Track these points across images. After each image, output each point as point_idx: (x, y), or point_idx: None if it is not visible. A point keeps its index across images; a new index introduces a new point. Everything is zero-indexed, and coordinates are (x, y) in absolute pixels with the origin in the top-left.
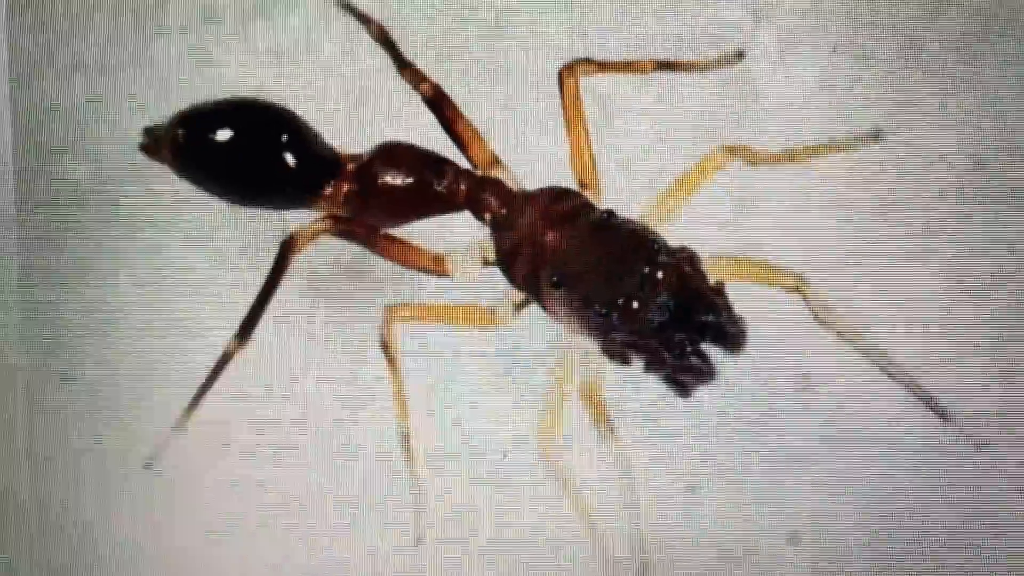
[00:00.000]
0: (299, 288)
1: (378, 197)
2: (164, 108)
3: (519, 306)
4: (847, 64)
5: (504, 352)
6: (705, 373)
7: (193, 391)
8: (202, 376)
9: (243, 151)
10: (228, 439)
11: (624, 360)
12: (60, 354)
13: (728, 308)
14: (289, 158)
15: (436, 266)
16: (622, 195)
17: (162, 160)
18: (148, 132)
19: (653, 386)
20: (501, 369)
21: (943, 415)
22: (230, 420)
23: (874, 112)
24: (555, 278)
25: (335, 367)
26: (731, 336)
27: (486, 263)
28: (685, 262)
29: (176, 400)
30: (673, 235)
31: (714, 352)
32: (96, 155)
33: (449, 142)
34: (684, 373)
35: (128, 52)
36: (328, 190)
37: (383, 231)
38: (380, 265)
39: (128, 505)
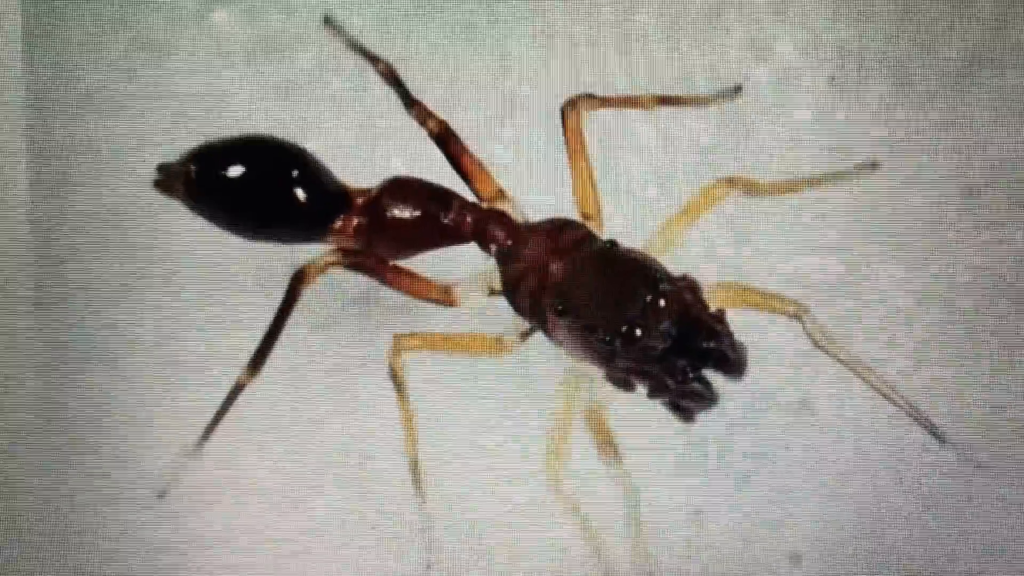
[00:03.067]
0: (310, 320)
1: (387, 230)
2: (176, 143)
3: (525, 335)
4: (843, 98)
5: (511, 380)
6: (707, 398)
7: (205, 422)
8: (214, 407)
9: (255, 187)
10: (238, 469)
11: (628, 386)
12: (73, 383)
13: (729, 334)
14: (300, 193)
15: (443, 296)
16: (624, 226)
17: (175, 196)
18: (162, 169)
19: (657, 412)
20: (508, 397)
21: (940, 437)
22: (241, 450)
23: (870, 144)
24: (559, 307)
25: (344, 397)
26: (732, 362)
27: (492, 293)
28: (686, 290)
29: (188, 431)
30: (674, 264)
31: (716, 378)
32: (110, 189)
33: (456, 176)
34: (687, 398)
35: (142, 87)
36: (338, 224)
37: (391, 263)
38: (389, 296)
39: (140, 535)
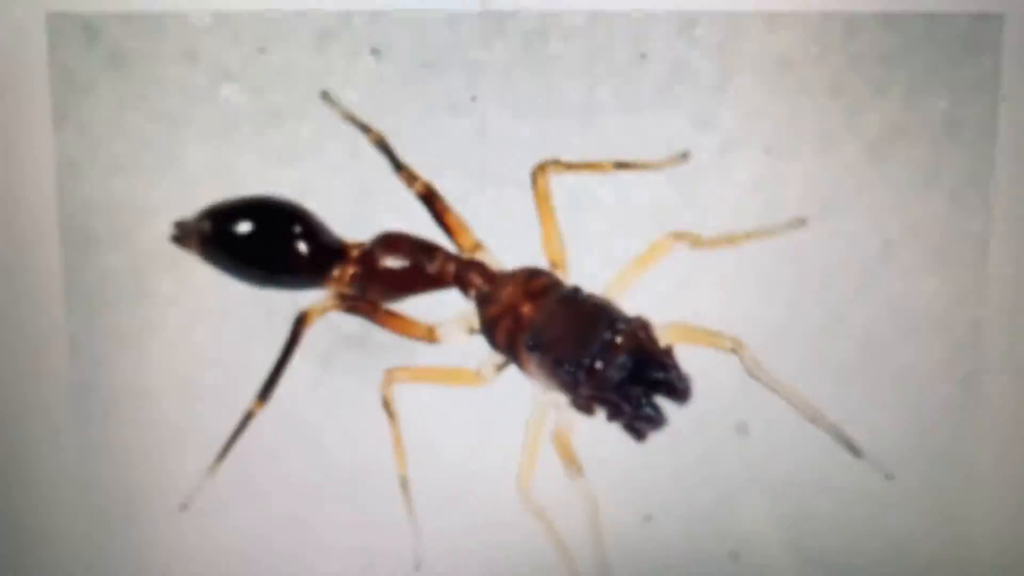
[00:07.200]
0: (311, 356)
1: (378, 278)
2: (191, 204)
3: (500, 368)
4: (776, 162)
5: (488, 406)
6: (658, 421)
7: (220, 444)
8: (228, 431)
9: (261, 241)
10: (250, 486)
11: (590, 411)
12: (105, 413)
13: (676, 366)
14: (301, 246)
15: (429, 335)
16: (586, 273)
17: (190, 249)
18: (178, 225)
19: (614, 432)
20: (485, 421)
21: (857, 453)
22: (252, 470)
23: (799, 203)
24: (531, 343)
25: (343, 422)
26: (679, 390)
27: (471, 332)
28: (640, 329)
29: (206, 452)
30: (630, 306)
31: (665, 403)
32: (132, 245)
33: (439, 231)
34: (640, 421)
35: (159, 155)
36: (335, 272)
37: (383, 306)
38: (381, 336)
39: (161, 545)
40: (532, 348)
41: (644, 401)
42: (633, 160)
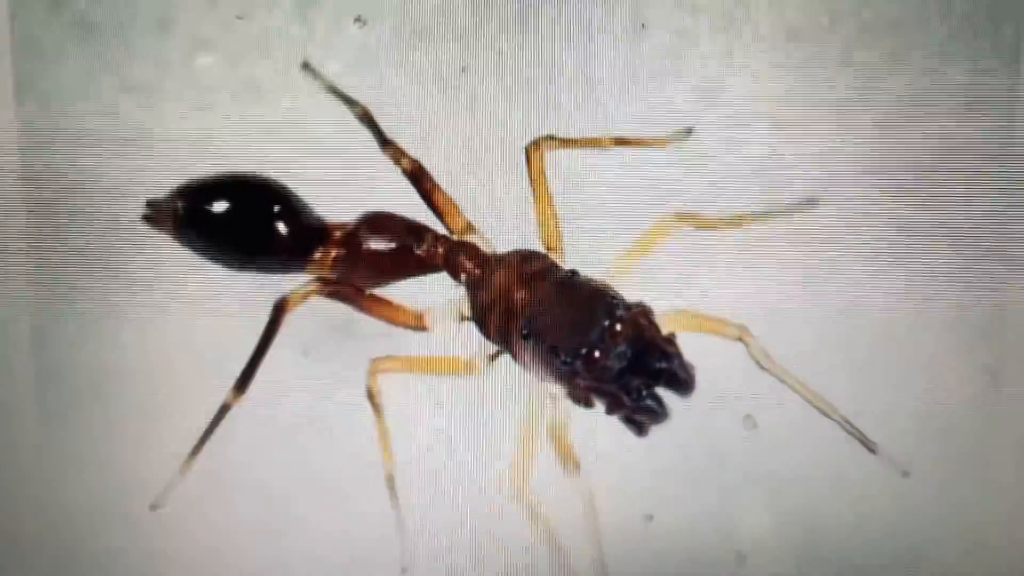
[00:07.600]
0: (291, 345)
1: (363, 261)
2: (164, 181)
3: (493, 357)
4: (786, 139)
5: (480, 398)
6: (659, 414)
7: (195, 439)
8: (203, 425)
9: (239, 221)
10: (226, 484)
11: (587, 403)
12: (72, 404)
13: (679, 356)
14: (281, 227)
15: (417, 322)
16: (584, 256)
17: (163, 230)
18: (151, 204)
19: (614, 426)
20: (477, 413)
21: (872, 448)
22: (228, 466)
23: (810, 181)
24: (525, 331)
25: (325, 417)
26: (682, 381)
27: (462, 319)
28: (641, 315)
29: (179, 448)
30: (630, 292)
31: (667, 395)
32: (102, 225)
33: (428, 211)
34: (641, 414)
35: (130, 129)
36: (317, 255)
37: (368, 292)
38: (366, 322)
39: (133, 545)
40: (526, 336)
41: (645, 393)
42: (633, 137)
